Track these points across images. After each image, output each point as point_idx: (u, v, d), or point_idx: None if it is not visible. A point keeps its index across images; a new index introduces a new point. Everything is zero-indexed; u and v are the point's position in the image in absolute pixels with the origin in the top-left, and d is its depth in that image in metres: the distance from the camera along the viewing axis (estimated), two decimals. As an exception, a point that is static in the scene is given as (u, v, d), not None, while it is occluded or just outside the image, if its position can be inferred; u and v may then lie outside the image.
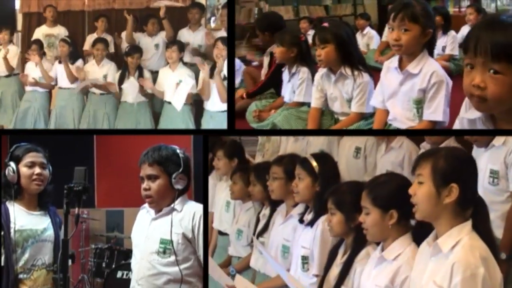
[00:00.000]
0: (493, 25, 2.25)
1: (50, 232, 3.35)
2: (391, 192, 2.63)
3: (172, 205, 3.15)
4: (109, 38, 6.13)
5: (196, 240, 3.15)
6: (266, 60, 5.16)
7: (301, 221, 3.39)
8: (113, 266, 5.62)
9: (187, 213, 3.16)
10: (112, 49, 6.14)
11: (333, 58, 3.89)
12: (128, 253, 5.52)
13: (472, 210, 2.30)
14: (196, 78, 5.55)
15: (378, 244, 2.75)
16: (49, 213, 3.39)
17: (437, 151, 2.40)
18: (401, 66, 3.43)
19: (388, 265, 2.58)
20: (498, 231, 2.97)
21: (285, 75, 4.59)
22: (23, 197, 3.34)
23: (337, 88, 3.96)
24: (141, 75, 5.71)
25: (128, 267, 3.43)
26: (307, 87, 4.35)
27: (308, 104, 4.24)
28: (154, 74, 5.83)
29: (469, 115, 2.57)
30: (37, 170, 3.32)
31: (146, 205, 3.27)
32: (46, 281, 3.33)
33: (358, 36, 7.02)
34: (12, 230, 3.26)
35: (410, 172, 2.75)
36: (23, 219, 3.30)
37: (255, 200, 4.08)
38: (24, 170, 3.31)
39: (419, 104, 3.37)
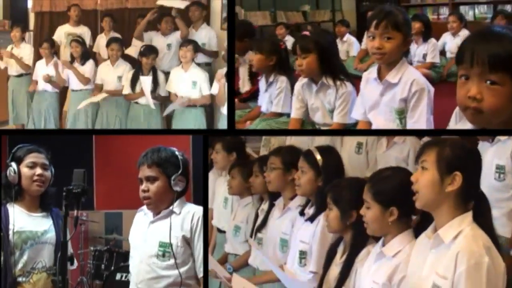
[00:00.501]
0: (489, 35, 2.19)
1: (51, 235, 3.24)
2: (393, 188, 2.53)
3: (170, 208, 3.09)
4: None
5: (193, 241, 3.10)
6: (243, 68, 5.05)
7: (301, 213, 3.29)
8: (112, 268, 5.55)
9: (186, 215, 3.11)
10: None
11: (315, 68, 3.74)
12: (127, 255, 5.20)
13: (473, 204, 2.25)
14: (211, 79, 5.50)
15: (378, 241, 2.65)
16: (52, 215, 3.29)
17: (443, 140, 2.35)
18: (380, 76, 3.31)
19: (387, 262, 2.52)
20: (504, 230, 2.92)
21: (262, 84, 4.45)
22: (23, 198, 3.22)
23: (319, 98, 3.82)
24: (155, 76, 5.63)
25: (127, 269, 3.41)
26: (286, 97, 4.22)
27: (287, 115, 4.12)
28: (166, 74, 5.76)
29: (459, 127, 2.49)
30: (38, 171, 3.21)
31: (143, 207, 3.20)
32: (46, 285, 3.22)
33: (338, 43, 6.88)
34: (11, 232, 3.14)
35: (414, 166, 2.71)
36: (23, 220, 3.19)
37: (255, 192, 3.93)
38: (25, 170, 3.20)
39: (402, 114, 3.26)
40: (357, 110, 3.54)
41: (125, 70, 5.83)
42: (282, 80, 4.29)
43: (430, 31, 6.24)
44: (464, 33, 6.27)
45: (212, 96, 5.54)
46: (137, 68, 5.71)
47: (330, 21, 8.96)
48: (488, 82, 2.14)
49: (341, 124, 3.75)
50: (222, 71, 5.21)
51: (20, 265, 3.18)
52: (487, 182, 2.84)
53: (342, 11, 9.05)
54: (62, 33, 6.25)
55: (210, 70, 5.77)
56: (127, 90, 5.75)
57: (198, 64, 5.74)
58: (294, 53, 3.86)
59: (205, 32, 5.94)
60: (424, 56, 6.15)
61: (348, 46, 7.11)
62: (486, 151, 3.00)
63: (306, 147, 3.53)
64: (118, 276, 5.37)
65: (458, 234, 2.19)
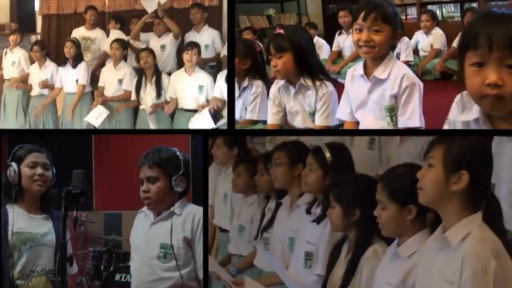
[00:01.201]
0: (499, 19, 2.02)
1: (51, 237, 3.04)
2: (410, 185, 2.24)
3: (172, 209, 2.94)
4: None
5: (194, 242, 2.95)
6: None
7: (308, 211, 3.02)
8: (111, 269, 5.34)
9: (187, 216, 2.95)
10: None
11: (291, 68, 3.34)
12: (126, 256, 5.23)
13: (483, 206, 2.03)
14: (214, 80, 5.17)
15: (385, 240, 2.48)
16: (52, 217, 3.08)
17: (453, 137, 2.12)
18: (366, 72, 3.01)
19: (402, 263, 2.30)
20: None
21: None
22: (24, 199, 3.04)
23: (298, 101, 3.43)
24: (158, 79, 5.32)
25: (126, 270, 3.28)
26: (262, 102, 3.85)
27: (263, 122, 3.76)
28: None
29: (464, 117, 2.27)
30: (39, 170, 3.02)
31: (144, 208, 3.04)
32: (45, 288, 2.98)
33: (308, 46, 6.85)
34: (9, 233, 2.97)
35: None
36: (23, 222, 3.00)
37: (261, 191, 3.60)
38: (25, 170, 3.01)
39: (392, 111, 2.98)
40: (342, 110, 3.21)
41: (126, 74, 5.51)
42: (258, 85, 3.92)
43: (402, 30, 6.06)
44: (437, 31, 6.14)
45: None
46: (140, 74, 5.38)
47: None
48: (507, 66, 1.98)
49: (324, 127, 3.39)
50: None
51: (18, 268, 3.00)
52: (510, 178, 2.56)
53: (308, 15, 8.57)
54: (77, 36, 5.90)
55: (214, 73, 5.43)
56: (133, 97, 5.44)
57: (202, 67, 5.43)
58: (268, 53, 3.50)
59: (208, 33, 5.64)
60: (398, 55, 5.82)
61: (318, 49, 6.57)
62: (505, 145, 2.65)
63: (317, 143, 3.21)
64: (117, 277, 5.16)
65: (465, 236, 1.98)
